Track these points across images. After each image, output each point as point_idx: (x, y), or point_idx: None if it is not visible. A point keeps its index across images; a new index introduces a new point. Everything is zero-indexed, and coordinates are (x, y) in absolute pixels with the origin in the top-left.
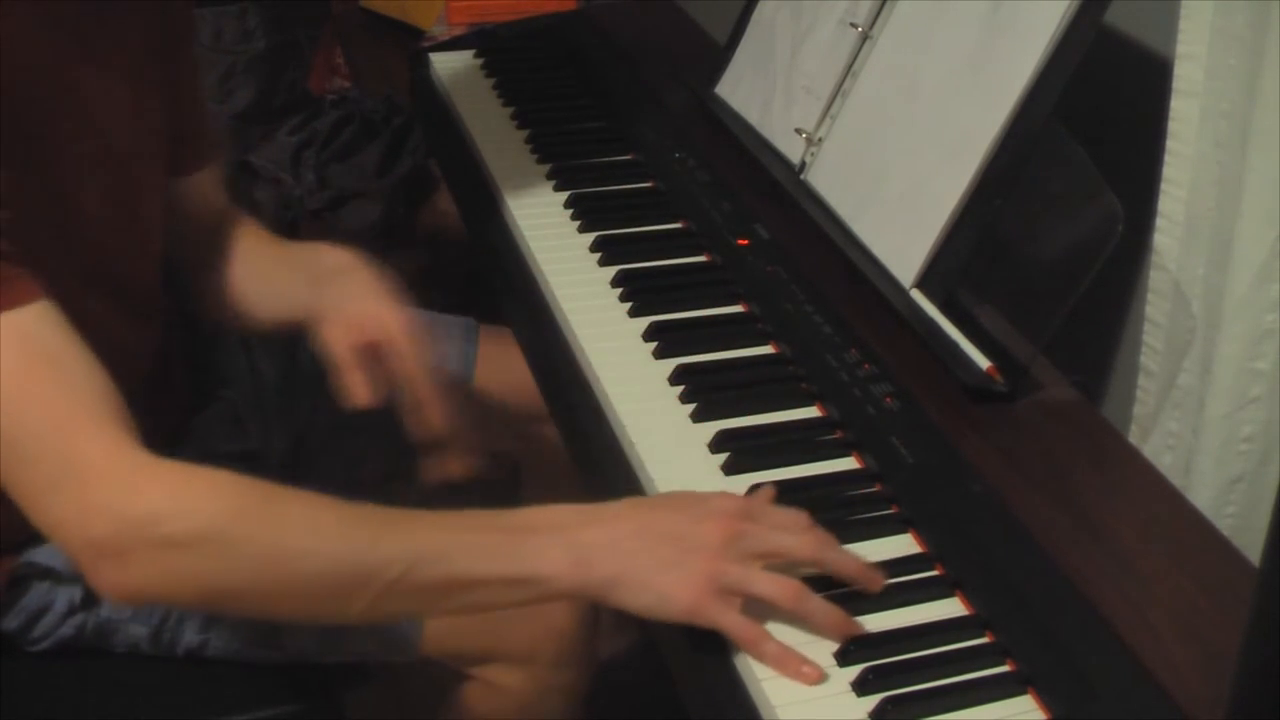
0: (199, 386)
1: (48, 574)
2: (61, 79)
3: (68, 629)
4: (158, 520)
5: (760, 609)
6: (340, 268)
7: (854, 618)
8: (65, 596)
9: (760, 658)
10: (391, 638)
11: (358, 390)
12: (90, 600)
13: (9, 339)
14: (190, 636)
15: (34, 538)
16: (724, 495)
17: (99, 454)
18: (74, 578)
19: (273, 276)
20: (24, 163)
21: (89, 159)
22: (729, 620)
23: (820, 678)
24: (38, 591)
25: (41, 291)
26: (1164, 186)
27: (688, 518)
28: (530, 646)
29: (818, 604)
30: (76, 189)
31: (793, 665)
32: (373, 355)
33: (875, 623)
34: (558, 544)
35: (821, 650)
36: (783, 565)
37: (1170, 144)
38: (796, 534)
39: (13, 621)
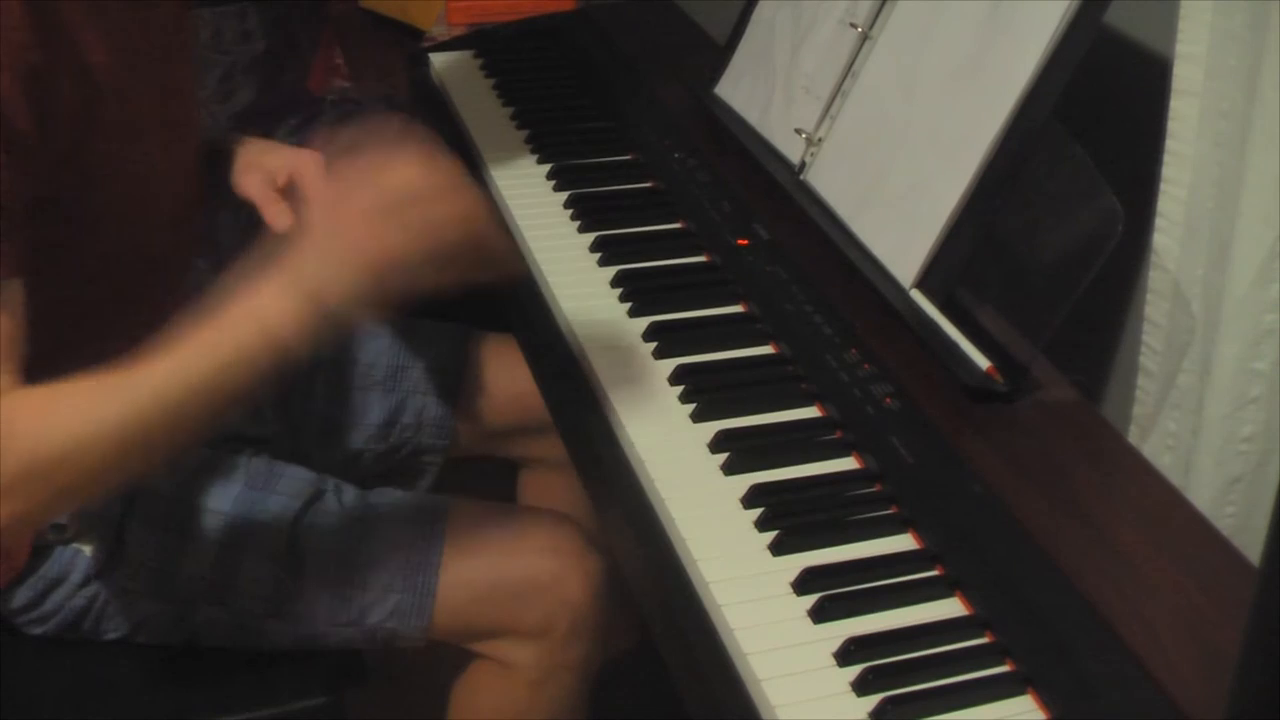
0: None
1: (74, 536)
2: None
3: (79, 600)
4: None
5: None
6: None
7: (853, 616)
8: (83, 565)
9: None
10: (404, 610)
11: (279, 218)
12: (108, 566)
13: None
14: (201, 610)
15: None
16: None
17: None
18: (99, 536)
19: None
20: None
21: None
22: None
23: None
24: (58, 559)
25: (11, 270)
26: (1164, 186)
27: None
28: (545, 619)
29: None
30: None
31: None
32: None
33: (875, 623)
34: (271, 307)
35: (821, 651)
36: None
37: (1170, 144)
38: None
39: (27, 593)
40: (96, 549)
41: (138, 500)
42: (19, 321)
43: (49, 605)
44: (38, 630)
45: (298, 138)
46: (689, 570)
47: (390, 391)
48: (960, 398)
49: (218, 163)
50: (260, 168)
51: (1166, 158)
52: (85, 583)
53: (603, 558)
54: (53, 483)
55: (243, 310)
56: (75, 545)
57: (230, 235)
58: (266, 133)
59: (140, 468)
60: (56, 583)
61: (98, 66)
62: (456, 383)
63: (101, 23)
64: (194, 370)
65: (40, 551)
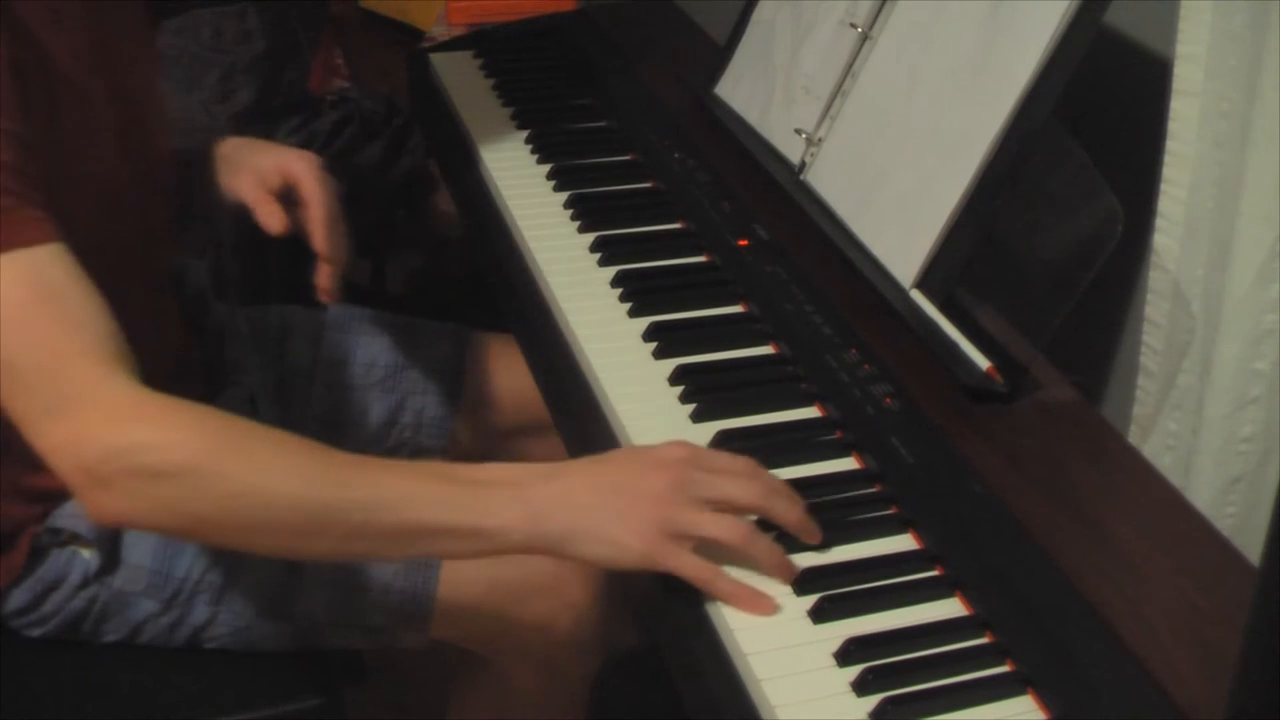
0: (215, 373)
1: (71, 539)
2: (79, 38)
3: (79, 602)
4: (141, 450)
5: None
6: (246, 142)
7: (853, 616)
8: (81, 567)
9: (714, 595)
10: (404, 610)
11: (272, 219)
12: (106, 569)
13: (20, 275)
14: (201, 610)
15: (57, 502)
16: (673, 444)
17: (93, 385)
18: (96, 540)
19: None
20: (50, 131)
21: (110, 121)
22: (682, 562)
23: (774, 607)
24: (56, 561)
25: (55, 233)
26: (1164, 186)
27: (636, 468)
28: (546, 620)
29: (764, 545)
30: (101, 150)
31: (747, 599)
32: (285, 195)
33: (875, 623)
34: (512, 499)
35: (821, 651)
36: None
37: (1170, 144)
38: (742, 480)
39: (24, 595)
40: (95, 551)
41: None
42: (93, 294)
43: (48, 607)
44: (36, 632)
45: (298, 137)
46: None
47: (390, 392)
48: (960, 398)
49: (206, 165)
50: (253, 169)
51: (1166, 158)
52: (84, 585)
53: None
54: (166, 494)
55: (478, 497)
56: (72, 548)
57: (230, 236)
58: (267, 133)
59: (275, 545)
60: (54, 585)
61: (61, 68)
62: (456, 383)
63: (61, 26)
64: (398, 504)
65: (38, 553)
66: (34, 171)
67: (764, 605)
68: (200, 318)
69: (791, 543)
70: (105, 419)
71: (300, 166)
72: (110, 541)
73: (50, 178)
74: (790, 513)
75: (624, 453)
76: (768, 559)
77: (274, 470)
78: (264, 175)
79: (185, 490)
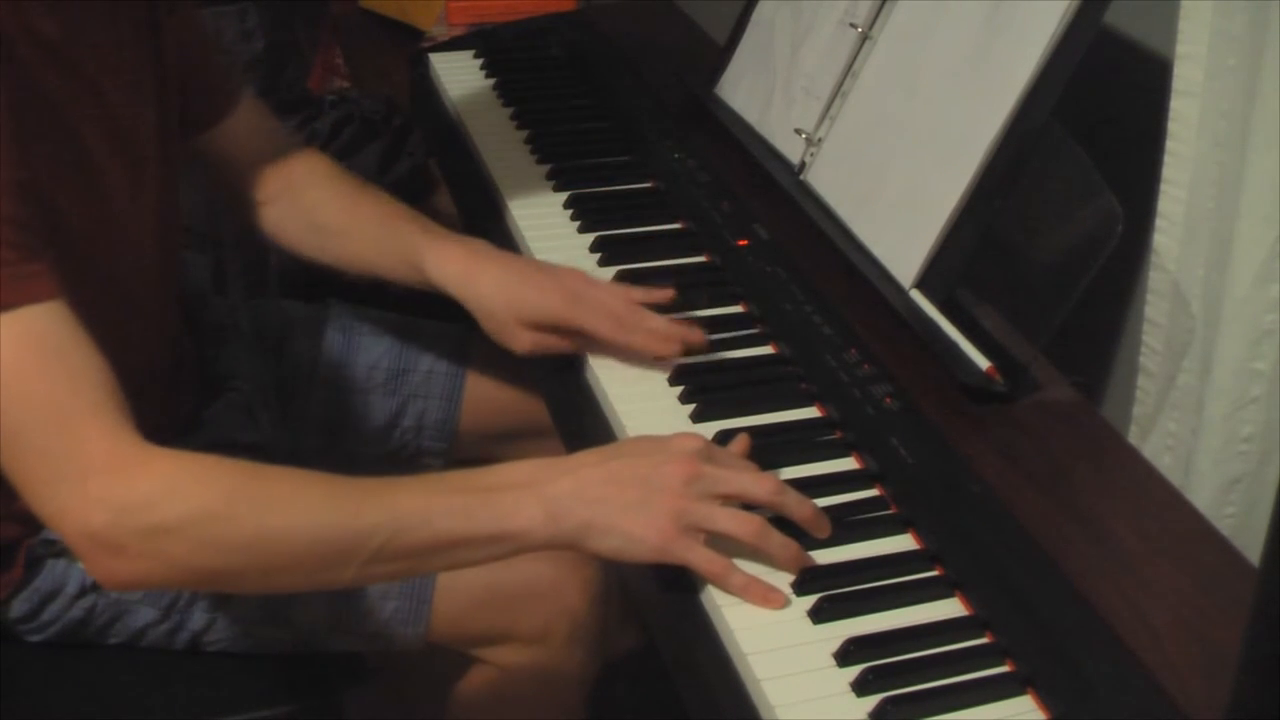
0: (210, 380)
1: (65, 551)
2: (73, 59)
3: (77, 611)
4: (149, 507)
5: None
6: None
7: (853, 616)
8: (78, 577)
9: (726, 588)
10: (402, 616)
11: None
12: None
13: (21, 334)
14: (199, 617)
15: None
16: (685, 436)
17: (97, 446)
18: None
19: (370, 236)
20: (53, 145)
21: (105, 137)
22: (695, 555)
23: (784, 602)
24: (51, 572)
25: (56, 289)
26: (1164, 186)
27: (650, 461)
28: (543, 626)
29: (777, 538)
30: (102, 171)
31: (758, 593)
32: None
33: (875, 623)
34: (530, 498)
35: (821, 651)
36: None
37: (1170, 144)
38: (755, 475)
39: (23, 605)
40: None
41: None
42: (92, 350)
43: (47, 615)
44: (37, 639)
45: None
46: (689, 571)
47: (391, 394)
48: (960, 398)
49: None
50: (513, 339)
51: (1166, 158)
52: (81, 594)
53: (600, 564)
54: (179, 549)
55: (495, 503)
56: (67, 559)
57: (232, 231)
58: None
59: (296, 582)
60: (52, 595)
61: (58, 103)
62: (458, 385)
63: (56, 59)
64: (416, 523)
65: (33, 564)
66: (35, 213)
67: (775, 599)
68: (199, 313)
69: (797, 542)
70: (112, 478)
71: (568, 314)
72: None
73: (52, 194)
74: (802, 506)
75: (636, 443)
76: (781, 552)
77: (286, 509)
78: (534, 329)
79: (199, 543)
